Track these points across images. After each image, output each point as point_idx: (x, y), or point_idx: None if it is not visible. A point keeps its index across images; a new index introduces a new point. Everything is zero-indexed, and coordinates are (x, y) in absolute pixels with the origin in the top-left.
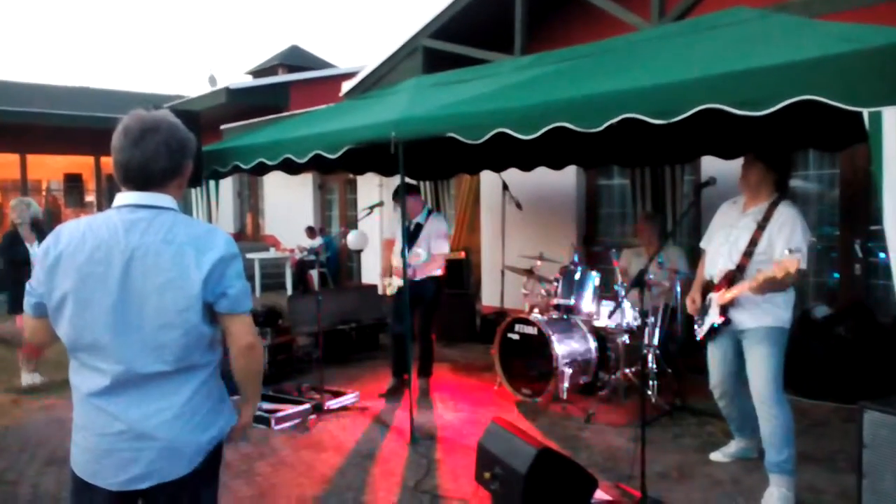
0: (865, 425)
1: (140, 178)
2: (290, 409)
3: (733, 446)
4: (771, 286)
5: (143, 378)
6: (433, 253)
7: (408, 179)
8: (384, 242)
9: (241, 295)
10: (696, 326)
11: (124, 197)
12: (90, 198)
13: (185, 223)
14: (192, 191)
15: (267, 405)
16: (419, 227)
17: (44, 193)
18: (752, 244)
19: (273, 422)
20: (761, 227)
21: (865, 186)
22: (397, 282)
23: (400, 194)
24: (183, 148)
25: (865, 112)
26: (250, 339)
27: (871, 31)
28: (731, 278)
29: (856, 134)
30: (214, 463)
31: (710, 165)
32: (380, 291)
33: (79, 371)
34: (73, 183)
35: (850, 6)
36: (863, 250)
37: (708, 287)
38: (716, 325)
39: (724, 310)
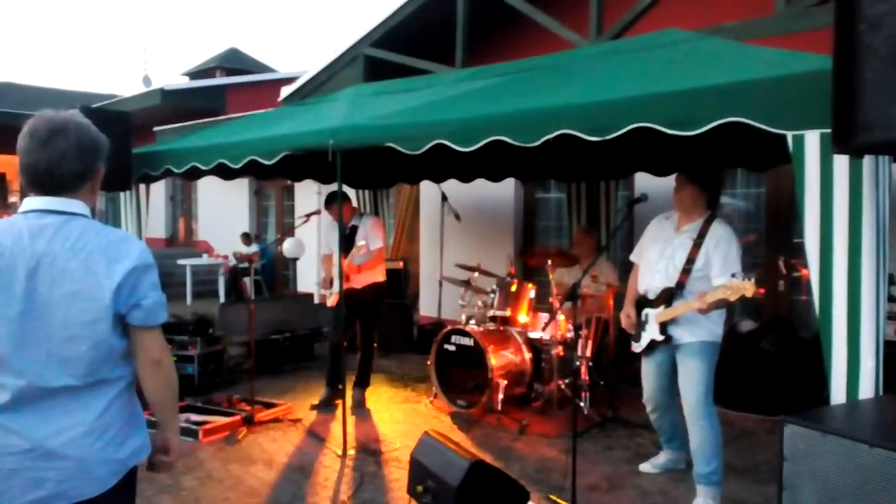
0: (786, 438)
1: (49, 181)
2: (220, 421)
3: (662, 458)
4: (719, 306)
5: (49, 393)
6: (371, 248)
7: (345, 188)
8: (323, 257)
9: (155, 307)
10: (632, 341)
11: (32, 202)
12: (14, 198)
13: (96, 230)
14: (122, 195)
15: (195, 417)
16: (355, 228)
17: None
18: (689, 261)
19: (201, 434)
20: (697, 244)
21: (789, 205)
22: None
23: (337, 202)
24: (94, 149)
25: (789, 135)
26: (157, 353)
27: (797, 58)
28: (670, 295)
29: (781, 155)
30: (130, 481)
31: (644, 182)
32: (317, 300)
33: None
34: None
35: (779, 32)
36: (786, 267)
37: (642, 302)
38: (657, 340)
39: (664, 327)
